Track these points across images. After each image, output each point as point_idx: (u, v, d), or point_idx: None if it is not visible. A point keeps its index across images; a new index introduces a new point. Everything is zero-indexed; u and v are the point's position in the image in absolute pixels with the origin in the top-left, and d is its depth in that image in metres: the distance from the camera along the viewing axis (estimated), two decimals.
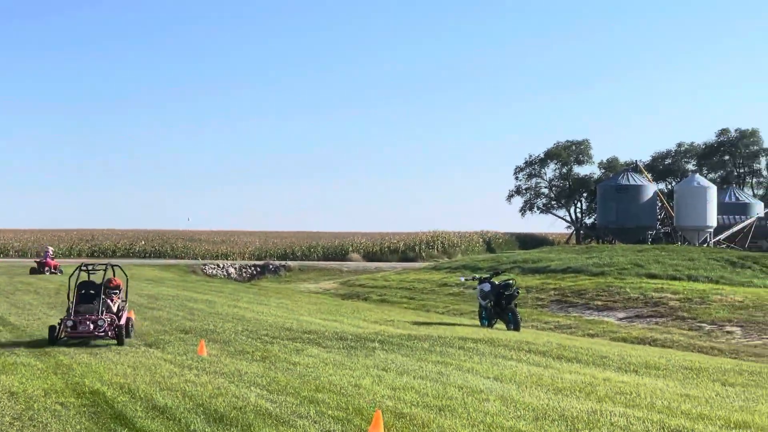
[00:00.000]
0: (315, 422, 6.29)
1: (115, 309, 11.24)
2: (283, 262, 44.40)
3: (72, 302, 11.10)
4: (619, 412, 6.58)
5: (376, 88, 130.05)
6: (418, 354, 10.52)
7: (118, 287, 11.76)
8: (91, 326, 10.48)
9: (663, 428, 5.94)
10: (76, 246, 52.28)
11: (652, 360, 10.33)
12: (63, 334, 10.64)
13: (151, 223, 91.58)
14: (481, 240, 56.69)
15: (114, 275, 12.01)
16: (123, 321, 10.98)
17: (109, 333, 10.58)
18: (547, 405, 6.95)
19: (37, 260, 31.04)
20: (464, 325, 16.47)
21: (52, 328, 10.77)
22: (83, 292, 11.34)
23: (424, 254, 51.00)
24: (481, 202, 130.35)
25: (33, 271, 28.83)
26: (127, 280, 12.19)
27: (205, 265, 42.17)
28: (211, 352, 10.27)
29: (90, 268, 12.13)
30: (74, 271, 11.95)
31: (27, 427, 6.18)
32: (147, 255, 52.09)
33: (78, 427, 6.23)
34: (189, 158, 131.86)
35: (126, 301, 12.11)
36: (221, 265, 42.26)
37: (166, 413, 6.63)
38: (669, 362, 10.19)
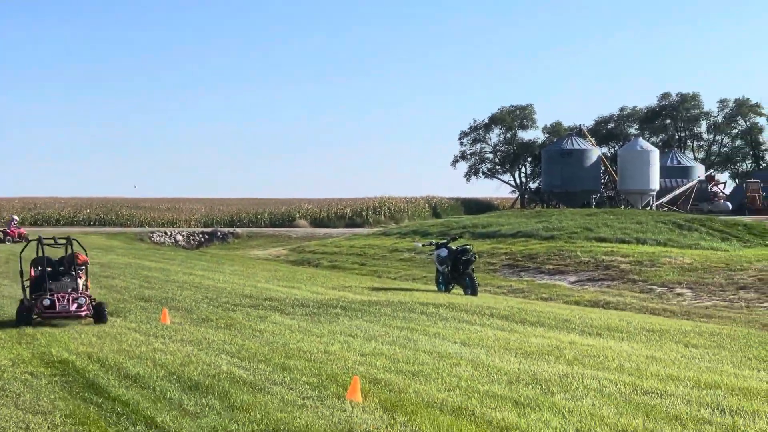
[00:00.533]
0: (291, 389, 6.24)
1: (81, 288, 10.31)
2: (231, 229, 44.45)
3: (27, 280, 10.25)
4: (591, 374, 6.77)
5: (320, 57, 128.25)
6: (383, 320, 10.57)
7: (85, 264, 10.83)
8: (72, 305, 9.60)
9: (636, 390, 6.14)
10: (18, 215, 50.85)
11: (613, 323, 10.70)
12: (35, 313, 9.70)
13: (95, 191, 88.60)
14: (427, 205, 57.22)
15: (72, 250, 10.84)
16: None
17: (89, 313, 9.79)
18: (518, 369, 7.08)
19: (1, 229, 30.36)
20: (421, 290, 16.62)
21: (23, 308, 9.78)
22: (50, 269, 10.36)
23: (371, 220, 51.32)
24: (427, 168, 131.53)
25: None
26: (86, 254, 11.19)
27: (152, 233, 42.17)
28: (174, 321, 10.09)
29: (52, 242, 10.97)
30: (26, 245, 11.03)
31: None
32: (91, 223, 51.49)
33: (52, 396, 6.06)
34: (134, 125, 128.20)
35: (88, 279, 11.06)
36: (169, 233, 42.39)
37: (139, 382, 6.50)
38: (630, 325, 10.56)
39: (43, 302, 9.58)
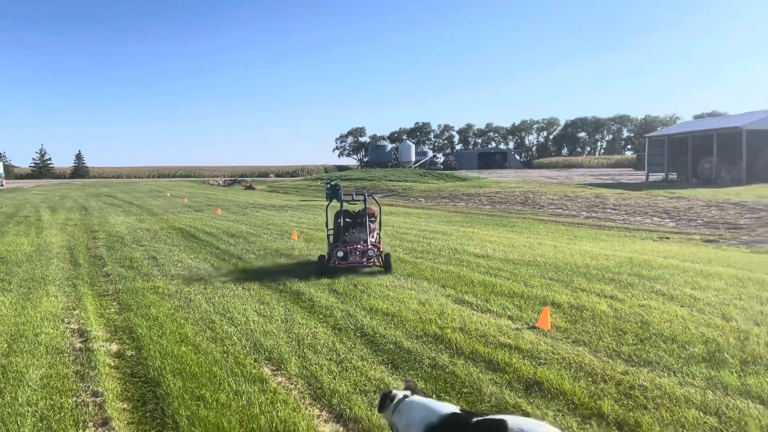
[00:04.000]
0: (270, 236, 22.54)
1: (374, 238, 11.23)
2: (240, 178, 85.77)
3: (330, 229, 11.75)
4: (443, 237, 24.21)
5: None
6: (306, 210, 27.26)
7: (374, 215, 11.73)
8: (361, 257, 10.58)
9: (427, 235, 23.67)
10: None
11: (395, 210, 28.58)
12: (332, 262, 10.58)
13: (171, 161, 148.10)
14: (322, 168, 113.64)
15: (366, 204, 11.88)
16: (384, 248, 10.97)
17: (377, 262, 10.63)
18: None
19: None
20: (318, 200, 33.54)
21: (322, 258, 10.75)
22: (349, 220, 11.59)
23: (300, 173, 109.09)
24: (323, 150, 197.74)
25: None
26: (380, 209, 12.75)
27: (208, 179, 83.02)
28: (222, 214, 25.91)
29: (350, 199, 12.13)
30: (330, 200, 12.54)
31: (155, 240, 21.59)
32: (179, 176, 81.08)
33: (176, 239, 21.72)
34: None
35: (380, 229, 12.14)
36: (214, 180, 79.01)
37: (212, 235, 21.80)
38: (410, 215, 28.52)
39: (338, 254, 10.54)
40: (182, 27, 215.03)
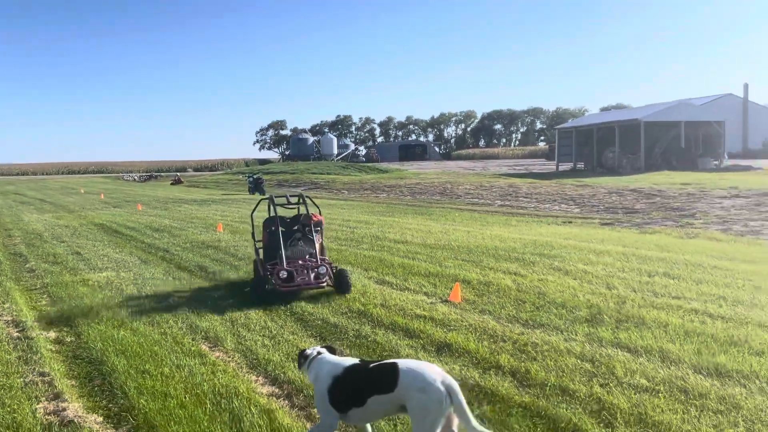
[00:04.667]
0: (196, 230, 22.82)
1: (318, 251, 9.14)
2: (155, 174, 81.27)
3: (259, 241, 9.49)
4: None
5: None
6: (228, 204, 27.27)
7: (320, 224, 9.54)
8: (312, 277, 8.51)
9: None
10: None
11: (333, 202, 29.03)
12: (271, 285, 8.47)
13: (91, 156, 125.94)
14: (243, 162, 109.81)
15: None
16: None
17: (329, 281, 8.67)
18: None
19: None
20: (240, 194, 33.50)
21: (258, 281, 8.68)
22: (282, 229, 9.17)
23: (220, 167, 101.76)
24: (244, 144, 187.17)
25: None
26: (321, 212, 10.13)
27: (123, 175, 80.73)
28: (141, 208, 25.67)
29: (284, 202, 9.70)
30: (257, 204, 10.22)
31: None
32: (91, 172, 76.38)
33: (98, 234, 21.79)
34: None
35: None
36: (129, 176, 78.21)
37: (134, 229, 22.19)
38: (336, 205, 29.02)
39: (281, 274, 8.48)
40: (94, 21, 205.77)
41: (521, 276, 9.61)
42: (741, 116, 62.49)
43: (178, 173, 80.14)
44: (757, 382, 5.22)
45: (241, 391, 5.36)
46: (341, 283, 8.69)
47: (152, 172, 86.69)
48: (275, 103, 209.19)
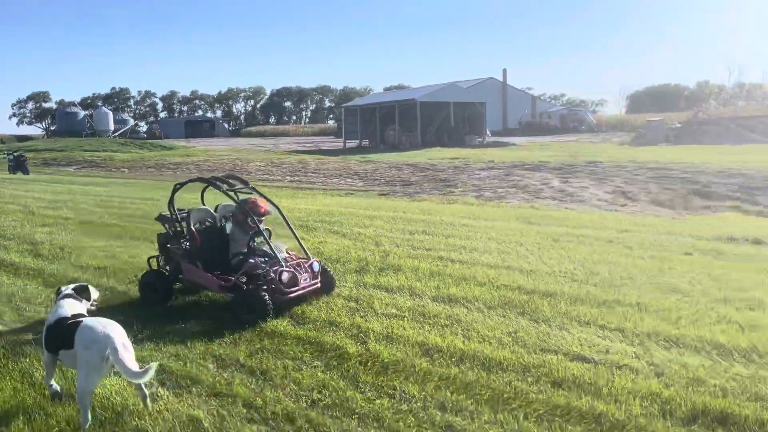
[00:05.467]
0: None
1: (283, 252, 7.20)
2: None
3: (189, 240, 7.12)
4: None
5: None
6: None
7: (265, 213, 7.39)
8: (309, 277, 6.92)
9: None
10: None
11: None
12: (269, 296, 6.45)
13: None
14: None
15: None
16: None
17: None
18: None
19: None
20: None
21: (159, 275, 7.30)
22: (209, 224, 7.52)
23: None
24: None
25: None
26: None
27: None
28: None
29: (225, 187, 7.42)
30: (179, 188, 7.54)
31: None
32: None
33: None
34: None
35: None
36: None
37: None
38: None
39: (282, 277, 6.68)
40: None
41: (304, 240, 10.61)
42: (501, 98, 70.70)
43: None
44: (476, 303, 6.83)
45: None
46: (329, 284, 7.30)
47: None
48: (35, 71, 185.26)
